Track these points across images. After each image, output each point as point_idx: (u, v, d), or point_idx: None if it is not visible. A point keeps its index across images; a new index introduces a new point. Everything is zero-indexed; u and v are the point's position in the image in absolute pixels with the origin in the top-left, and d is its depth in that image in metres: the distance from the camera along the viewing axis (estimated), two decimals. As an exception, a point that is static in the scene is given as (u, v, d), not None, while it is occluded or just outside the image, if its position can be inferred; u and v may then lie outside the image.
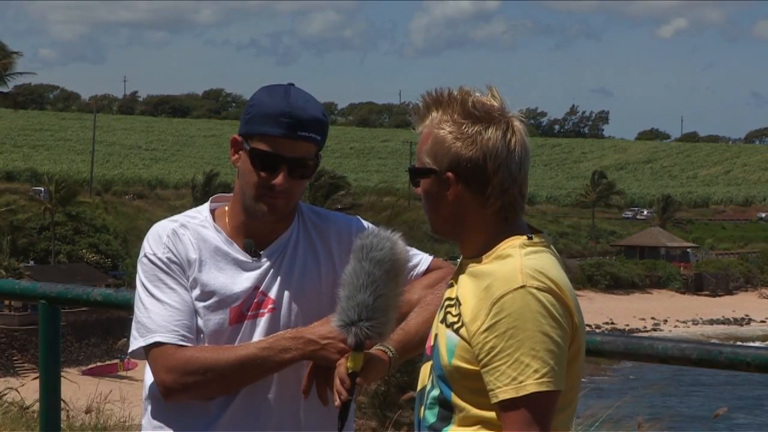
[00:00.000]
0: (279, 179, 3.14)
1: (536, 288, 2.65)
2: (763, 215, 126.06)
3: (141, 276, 3.22)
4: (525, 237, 2.77)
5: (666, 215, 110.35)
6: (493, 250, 2.76)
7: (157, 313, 3.15)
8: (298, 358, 3.10)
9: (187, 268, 3.19)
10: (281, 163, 3.14)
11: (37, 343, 4.54)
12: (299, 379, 3.16)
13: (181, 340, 3.13)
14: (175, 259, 3.20)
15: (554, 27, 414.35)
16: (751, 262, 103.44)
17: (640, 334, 24.63)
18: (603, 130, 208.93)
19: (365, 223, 3.35)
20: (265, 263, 3.22)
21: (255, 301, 3.19)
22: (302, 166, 3.17)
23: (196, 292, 3.18)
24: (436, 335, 2.82)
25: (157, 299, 3.17)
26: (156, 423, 3.22)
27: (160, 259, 3.20)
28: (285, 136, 3.13)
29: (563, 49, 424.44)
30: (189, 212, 3.32)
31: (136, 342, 3.17)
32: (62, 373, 4.67)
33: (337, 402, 2.94)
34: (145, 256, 3.23)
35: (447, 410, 2.76)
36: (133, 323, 3.19)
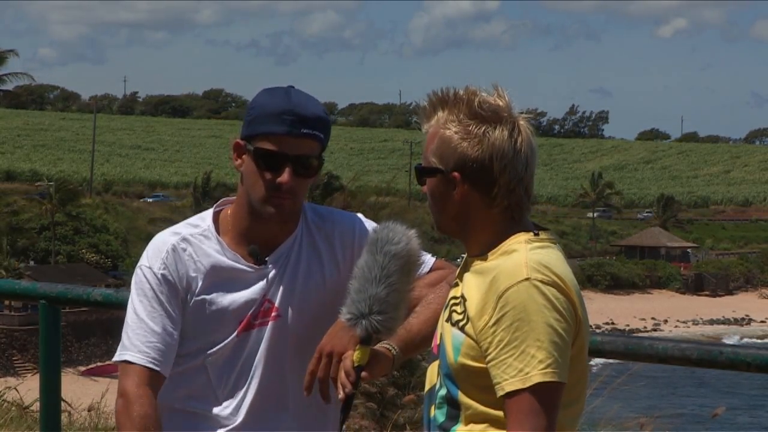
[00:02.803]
0: (284, 177, 3.12)
1: (540, 281, 2.66)
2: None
3: (132, 287, 3.21)
4: (531, 233, 2.78)
5: (666, 215, 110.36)
6: (499, 247, 2.77)
7: (133, 330, 3.15)
8: None
9: (183, 289, 3.17)
10: (286, 161, 3.12)
11: (37, 343, 4.54)
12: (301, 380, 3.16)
13: (150, 362, 3.11)
14: (170, 277, 3.17)
15: (554, 27, 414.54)
16: (751, 262, 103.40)
17: (640, 334, 24.62)
18: (603, 130, 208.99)
19: (367, 222, 3.34)
20: (271, 270, 3.20)
21: (261, 309, 3.18)
22: (307, 164, 3.15)
23: (203, 307, 3.17)
24: (441, 334, 2.83)
25: (138, 316, 3.16)
26: (166, 424, 3.20)
27: (154, 274, 3.18)
28: (288, 133, 3.11)
29: (563, 49, 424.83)
30: (192, 220, 3.29)
31: (116, 355, 3.17)
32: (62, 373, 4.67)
33: (341, 395, 2.93)
34: (141, 267, 3.21)
35: (454, 409, 2.76)
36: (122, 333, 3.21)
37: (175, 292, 3.17)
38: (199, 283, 3.18)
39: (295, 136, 3.12)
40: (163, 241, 3.22)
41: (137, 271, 3.21)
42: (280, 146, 3.12)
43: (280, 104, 3.13)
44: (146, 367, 3.10)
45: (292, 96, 3.16)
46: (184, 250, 3.20)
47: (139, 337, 3.13)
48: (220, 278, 3.18)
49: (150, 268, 3.19)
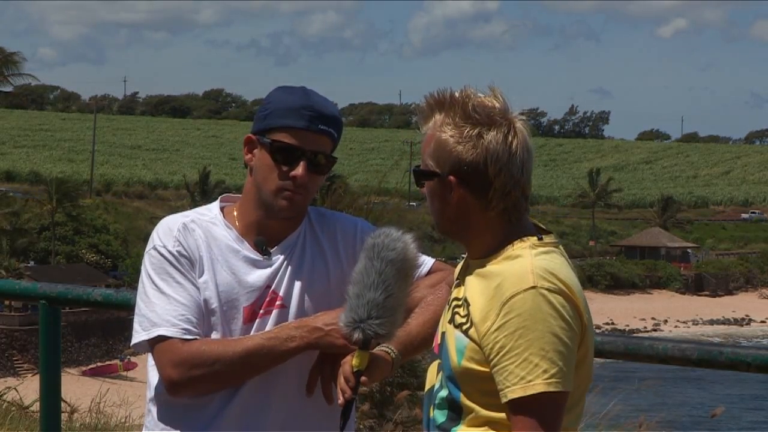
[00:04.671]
0: (299, 171, 3.15)
1: (547, 289, 2.65)
2: (747, 216, 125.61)
3: (148, 268, 3.20)
4: (535, 238, 2.77)
5: (666, 215, 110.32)
6: (502, 250, 2.76)
7: (161, 307, 3.13)
8: (303, 346, 3.10)
9: (197, 263, 3.18)
10: (302, 155, 3.16)
11: (38, 344, 4.54)
12: (304, 376, 3.16)
13: (185, 334, 3.11)
14: (184, 252, 3.18)
15: (554, 27, 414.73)
16: (751, 262, 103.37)
17: (640, 335, 24.62)
18: (603, 130, 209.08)
19: (369, 224, 3.36)
20: (276, 261, 3.22)
21: (267, 299, 3.19)
22: (320, 160, 3.19)
23: (210, 291, 3.17)
24: (443, 335, 2.83)
25: (163, 293, 3.15)
26: (162, 422, 3.21)
27: (170, 252, 3.18)
28: (307, 128, 3.15)
29: (563, 50, 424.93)
30: (199, 209, 3.32)
31: (138, 335, 3.15)
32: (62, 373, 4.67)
33: (341, 400, 2.93)
34: (154, 248, 3.20)
35: (455, 411, 2.76)
36: (136, 316, 3.18)
37: (191, 266, 3.18)
38: (209, 264, 3.19)
39: (313, 131, 3.16)
40: (173, 220, 3.24)
41: (151, 252, 3.20)
42: (298, 140, 3.16)
43: (299, 100, 3.18)
44: (182, 339, 3.10)
45: (309, 93, 3.22)
46: (194, 230, 3.22)
47: (168, 311, 3.12)
48: (227, 262, 3.20)
49: (164, 246, 3.19)
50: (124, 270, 66.94)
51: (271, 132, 3.18)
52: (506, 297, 2.65)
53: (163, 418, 3.21)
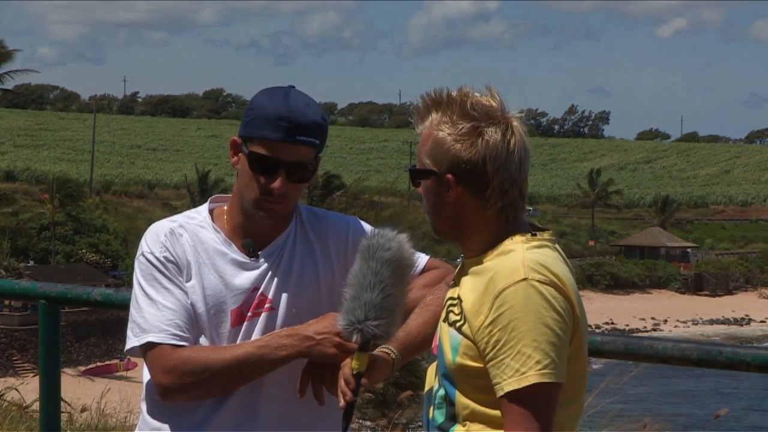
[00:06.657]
0: (277, 183, 3.14)
1: (538, 281, 2.66)
2: None
3: (137, 274, 3.22)
4: (528, 234, 2.77)
5: (665, 215, 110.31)
6: (495, 248, 2.76)
7: (150, 313, 3.15)
8: (294, 354, 3.09)
9: (184, 268, 3.19)
10: (279, 167, 3.14)
11: (37, 343, 4.54)
12: (295, 378, 3.15)
13: (174, 339, 3.12)
14: (171, 258, 3.19)
15: (553, 27, 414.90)
16: (750, 262, 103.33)
17: (640, 334, 24.61)
18: (603, 130, 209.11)
19: (363, 224, 3.35)
20: (264, 263, 3.22)
21: (254, 302, 3.19)
22: (301, 169, 3.17)
23: (196, 295, 3.17)
24: (440, 335, 2.83)
25: (151, 299, 3.16)
26: (152, 423, 3.21)
27: (156, 258, 3.20)
28: (283, 140, 3.13)
29: (562, 49, 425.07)
30: (188, 213, 3.32)
31: (130, 342, 3.17)
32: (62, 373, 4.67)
33: (342, 402, 2.93)
34: (142, 254, 3.23)
35: (452, 409, 2.76)
36: (129, 322, 3.20)
37: (179, 271, 3.19)
38: (196, 268, 3.20)
39: (290, 142, 3.14)
40: (160, 226, 3.26)
41: (140, 259, 3.23)
42: (274, 152, 3.14)
43: (277, 109, 3.14)
44: (173, 345, 3.11)
45: (290, 100, 3.17)
46: (181, 235, 3.23)
47: (157, 317, 3.13)
48: (215, 267, 3.20)
49: (152, 253, 3.21)
50: (124, 270, 66.86)
51: (250, 141, 3.16)
52: (498, 290, 2.66)
53: (154, 415, 3.22)
